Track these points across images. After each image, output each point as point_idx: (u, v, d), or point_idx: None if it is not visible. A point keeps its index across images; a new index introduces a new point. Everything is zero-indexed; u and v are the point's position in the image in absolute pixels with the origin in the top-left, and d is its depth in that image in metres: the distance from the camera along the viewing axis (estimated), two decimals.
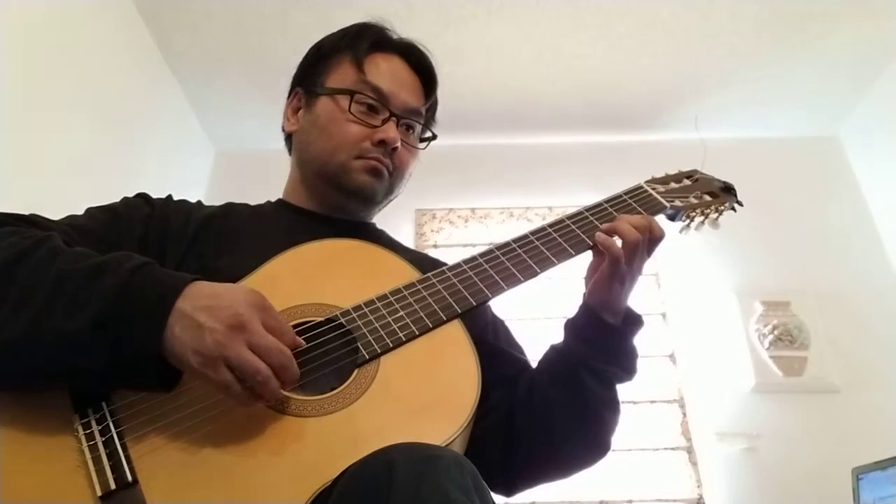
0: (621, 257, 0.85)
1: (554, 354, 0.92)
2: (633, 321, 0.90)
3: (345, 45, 1.03)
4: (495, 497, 0.69)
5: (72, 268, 0.67)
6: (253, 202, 1.07)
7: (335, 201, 1.01)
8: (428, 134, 1.08)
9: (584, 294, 0.91)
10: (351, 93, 0.97)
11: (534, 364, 0.96)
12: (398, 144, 0.97)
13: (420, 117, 1.04)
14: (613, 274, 0.86)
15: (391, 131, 0.97)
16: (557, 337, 0.93)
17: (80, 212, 0.91)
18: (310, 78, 1.04)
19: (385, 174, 0.98)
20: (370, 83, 0.98)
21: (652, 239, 0.88)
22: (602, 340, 0.88)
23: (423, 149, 1.07)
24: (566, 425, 0.87)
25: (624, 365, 0.89)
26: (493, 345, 0.96)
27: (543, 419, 0.88)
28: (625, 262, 0.85)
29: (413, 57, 1.05)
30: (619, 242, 0.86)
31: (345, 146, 0.97)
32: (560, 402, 0.87)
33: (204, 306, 0.65)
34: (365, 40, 1.02)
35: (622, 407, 0.91)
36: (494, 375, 0.88)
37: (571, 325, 0.91)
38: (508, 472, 0.90)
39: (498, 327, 1.02)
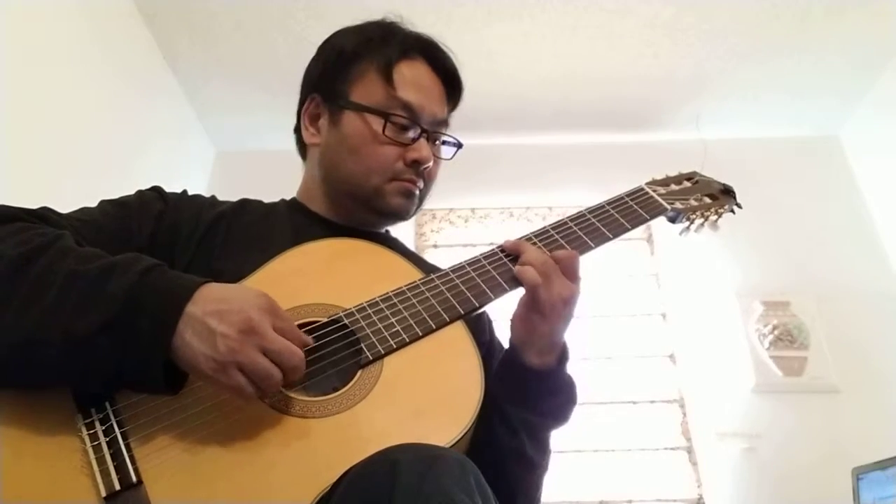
0: (538, 285, 0.80)
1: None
2: (564, 360, 0.84)
3: (369, 52, 0.96)
4: None
5: (82, 268, 0.67)
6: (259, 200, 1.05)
7: (365, 219, 0.99)
8: (452, 140, 1.03)
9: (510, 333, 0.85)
10: (385, 115, 0.92)
11: None
12: (431, 163, 0.95)
13: (447, 126, 1.01)
14: (531, 303, 0.81)
15: (424, 150, 0.94)
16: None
17: (83, 207, 0.90)
18: (330, 85, 0.98)
19: (417, 193, 0.96)
20: (400, 99, 0.93)
21: (565, 267, 0.82)
22: (512, 380, 0.81)
23: (450, 158, 1.03)
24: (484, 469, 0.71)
25: (540, 409, 0.82)
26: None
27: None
28: (542, 289, 0.80)
29: (437, 60, 1.00)
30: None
31: (379, 170, 0.93)
32: (472, 447, 0.75)
33: (214, 311, 0.65)
34: (391, 47, 0.96)
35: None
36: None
37: (499, 363, 0.85)
38: None
39: (494, 351, 0.97)
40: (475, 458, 0.69)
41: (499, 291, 0.84)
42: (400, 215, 0.98)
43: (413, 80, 0.96)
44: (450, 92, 1.02)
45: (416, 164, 0.94)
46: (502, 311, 0.95)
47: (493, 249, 0.89)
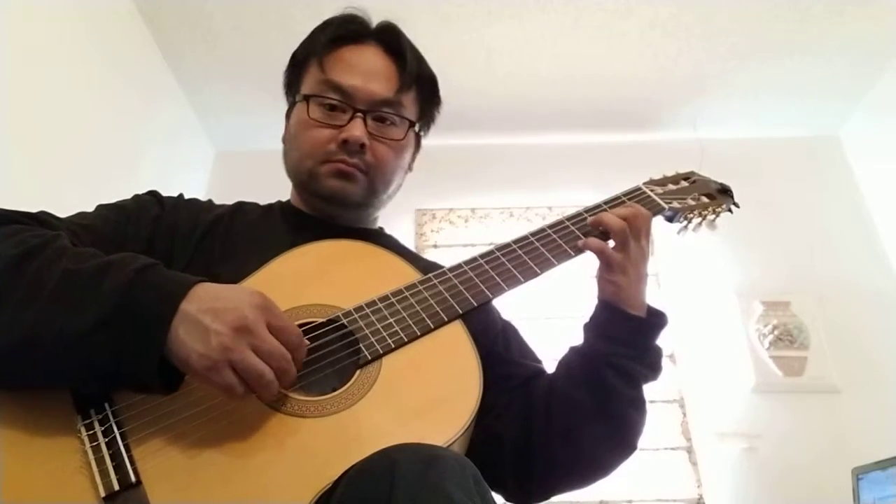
0: (605, 249, 0.87)
1: (573, 356, 0.89)
2: (655, 316, 0.89)
3: (312, 46, 1.00)
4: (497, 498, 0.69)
5: (77, 267, 0.67)
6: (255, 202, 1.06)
7: (321, 207, 0.99)
8: (400, 117, 0.98)
9: (598, 294, 0.90)
10: (306, 98, 0.95)
11: (549, 368, 0.94)
12: (364, 141, 0.92)
13: (395, 106, 0.97)
14: (611, 266, 0.87)
15: (355, 129, 0.92)
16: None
17: (80, 212, 0.90)
18: (292, 86, 1.03)
19: (356, 174, 0.94)
20: (330, 81, 0.94)
21: (635, 224, 0.88)
22: (624, 335, 0.86)
23: (401, 138, 0.97)
24: (590, 428, 0.84)
25: (648, 362, 0.87)
26: (503, 356, 0.94)
27: (564, 423, 0.84)
28: (618, 252, 0.87)
29: (385, 42, 0.99)
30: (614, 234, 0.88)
31: (311, 153, 0.95)
32: (583, 405, 0.84)
33: (209, 308, 0.65)
34: (325, 36, 0.98)
35: None
36: (505, 385, 0.88)
37: (591, 325, 0.89)
38: (525, 479, 0.87)
39: (509, 337, 0.99)
40: (595, 417, 0.83)
41: (497, 290, 0.85)
42: (341, 198, 0.95)
43: (351, 62, 0.96)
44: (402, 72, 0.98)
45: (346, 144, 0.93)
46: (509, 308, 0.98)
47: (490, 249, 0.90)
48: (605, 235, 0.89)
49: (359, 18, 1.01)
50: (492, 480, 0.86)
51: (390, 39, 1.00)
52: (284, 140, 1.03)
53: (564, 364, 0.90)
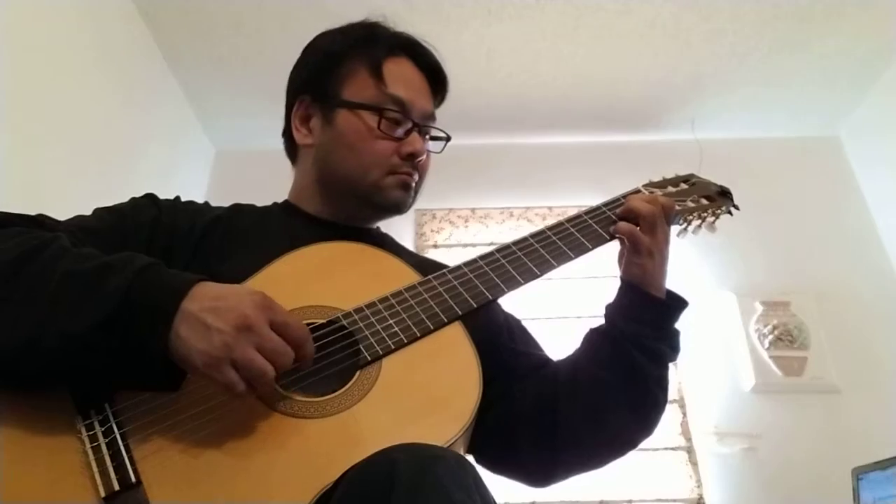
0: (635, 232, 0.89)
1: (598, 337, 0.92)
2: (676, 299, 0.93)
3: (356, 51, 0.99)
4: (502, 493, 0.70)
5: (78, 268, 0.67)
6: (253, 202, 1.06)
7: (363, 214, 1.01)
8: (440, 133, 1.05)
9: (621, 276, 0.93)
10: (379, 109, 0.95)
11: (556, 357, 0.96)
12: (424, 156, 0.98)
13: (434, 120, 1.03)
14: (639, 250, 0.89)
15: (418, 143, 0.96)
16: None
17: (81, 212, 0.91)
18: (320, 86, 1.00)
19: (413, 185, 0.99)
20: (392, 95, 0.96)
21: (665, 208, 0.92)
22: (649, 316, 0.89)
23: (440, 152, 1.05)
24: (617, 407, 0.87)
25: (672, 343, 0.90)
26: (510, 346, 0.97)
27: (591, 404, 0.87)
28: (647, 236, 0.89)
29: (421, 57, 1.03)
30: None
31: (376, 164, 0.96)
32: (611, 385, 0.87)
33: (210, 307, 0.65)
34: (378, 46, 0.99)
35: None
36: (515, 374, 0.91)
37: (615, 307, 0.92)
38: (547, 461, 0.90)
39: (513, 329, 1.01)
40: (624, 397, 0.86)
41: (496, 291, 0.85)
42: (398, 208, 1.00)
43: (400, 76, 0.99)
44: (435, 87, 1.05)
45: (410, 158, 0.96)
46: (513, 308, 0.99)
47: (490, 250, 0.90)
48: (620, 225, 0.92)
49: (395, 31, 1.03)
50: (512, 465, 0.92)
51: (422, 55, 1.03)
52: (318, 145, 1.00)
53: (588, 346, 0.92)
